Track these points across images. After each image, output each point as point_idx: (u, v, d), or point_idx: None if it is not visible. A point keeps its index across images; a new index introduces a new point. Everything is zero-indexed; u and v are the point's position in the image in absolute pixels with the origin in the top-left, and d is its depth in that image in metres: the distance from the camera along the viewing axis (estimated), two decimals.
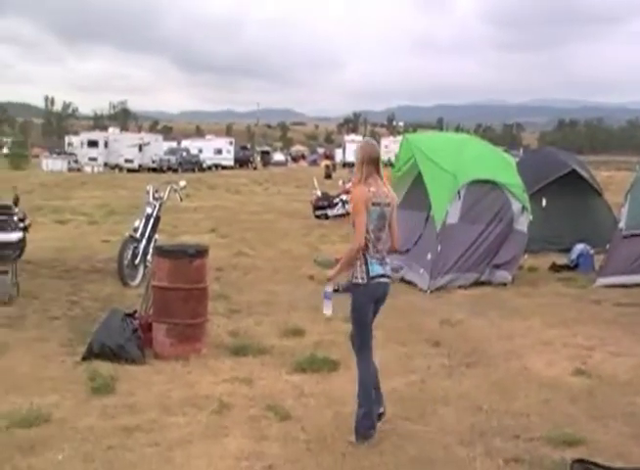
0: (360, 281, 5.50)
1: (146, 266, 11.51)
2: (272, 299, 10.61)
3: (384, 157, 76.39)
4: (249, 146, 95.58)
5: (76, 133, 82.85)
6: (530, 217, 12.55)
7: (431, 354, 8.05)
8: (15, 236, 11.14)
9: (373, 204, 5.53)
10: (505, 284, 11.95)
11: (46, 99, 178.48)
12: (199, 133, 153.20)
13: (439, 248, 11.63)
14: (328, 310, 5.65)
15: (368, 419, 5.59)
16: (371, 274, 5.50)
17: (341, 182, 25.62)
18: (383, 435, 5.76)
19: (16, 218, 12.80)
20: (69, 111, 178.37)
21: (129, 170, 58.07)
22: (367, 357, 5.65)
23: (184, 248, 7.99)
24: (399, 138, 78.46)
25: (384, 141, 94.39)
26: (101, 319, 8.05)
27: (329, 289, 5.60)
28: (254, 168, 73.96)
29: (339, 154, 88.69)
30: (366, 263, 5.50)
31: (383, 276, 5.60)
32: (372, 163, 5.57)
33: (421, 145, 13.16)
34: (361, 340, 5.63)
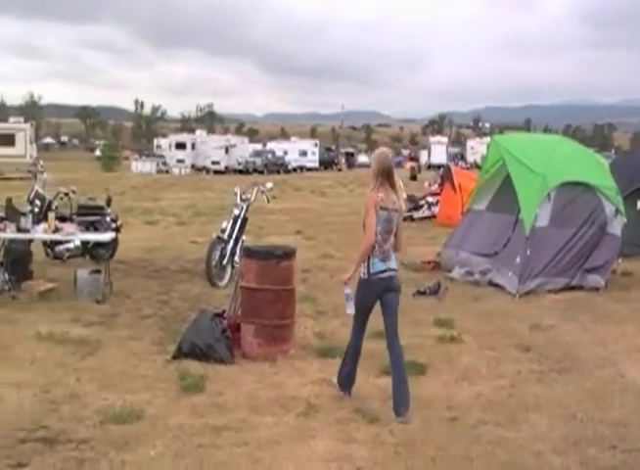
0: (362, 276, 6.20)
1: (233, 267, 11.62)
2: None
3: (470, 159, 75.04)
4: (333, 148, 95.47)
5: (165, 136, 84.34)
6: (624, 220, 12.19)
7: (520, 359, 7.89)
8: (108, 236, 11.44)
9: (381, 208, 6.17)
10: (597, 289, 11.56)
11: (136, 102, 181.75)
12: (284, 135, 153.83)
13: (529, 251, 11.38)
14: (350, 310, 6.29)
15: (352, 376, 6.51)
16: (372, 271, 6.16)
17: (426, 184, 25.29)
18: (473, 440, 5.68)
19: (109, 219, 13.19)
20: (158, 114, 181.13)
21: (216, 172, 58.67)
22: (356, 333, 6.41)
23: (272, 249, 8.00)
24: (485, 139, 77.70)
25: (469, 142, 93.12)
26: (190, 319, 8.18)
27: (348, 291, 6.25)
28: (339, 170, 73.85)
29: (424, 155, 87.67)
30: (368, 261, 6.19)
31: (385, 271, 6.21)
32: (384, 173, 6.21)
33: (509, 146, 12.92)
34: (355, 321, 6.37)
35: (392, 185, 6.17)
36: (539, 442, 5.71)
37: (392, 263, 6.27)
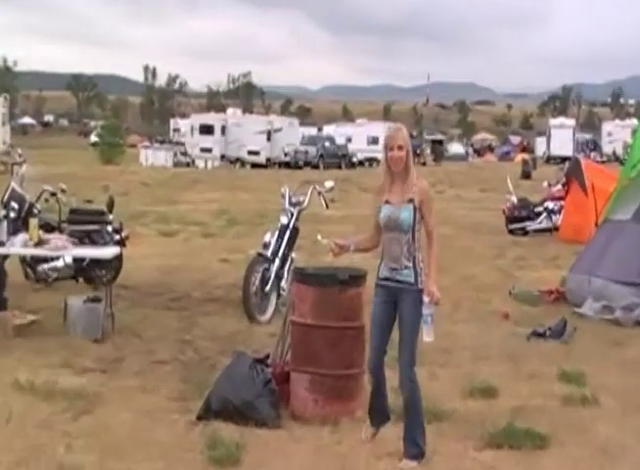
0: (423, 281, 6.83)
1: (279, 295, 11.65)
2: (451, 344, 10.37)
3: (606, 149, 72.98)
4: (415, 134, 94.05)
5: (185, 116, 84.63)
6: None
7: None
8: (109, 252, 11.48)
9: None
10: None
11: (145, 70, 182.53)
12: (347, 116, 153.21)
13: None
14: (429, 337, 6.71)
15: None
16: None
17: (545, 184, 24.95)
18: None
19: (110, 229, 13.28)
20: (176, 86, 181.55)
21: (254, 166, 58.86)
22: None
23: (333, 272, 7.92)
24: (629, 122, 75.71)
25: (606, 126, 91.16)
26: (222, 366, 8.16)
27: (429, 311, 6.64)
28: (423, 164, 71.60)
29: (541, 144, 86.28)
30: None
31: None
32: None
33: None
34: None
35: None
36: None
37: None
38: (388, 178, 6.87)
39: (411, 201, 6.76)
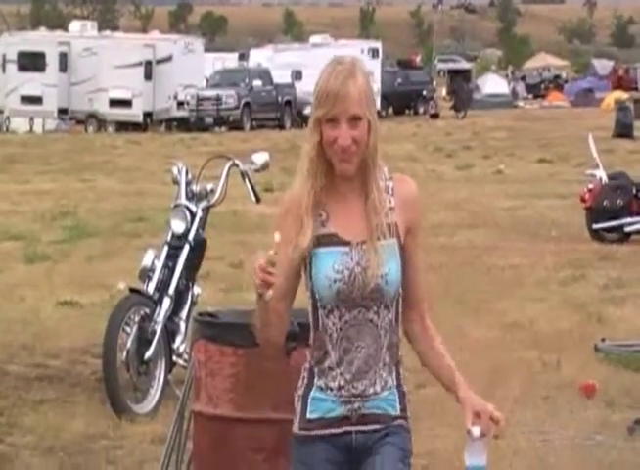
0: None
1: (172, 364, 10.74)
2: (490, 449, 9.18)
3: None
4: (418, 60, 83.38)
5: None
6: None
7: None
8: None
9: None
10: None
11: None
12: (293, 31, 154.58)
13: None
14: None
15: None
16: None
17: None
18: None
19: None
20: None
21: (122, 126, 52.29)
22: None
23: None
24: None
25: None
26: None
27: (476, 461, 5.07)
28: (433, 116, 66.33)
29: None
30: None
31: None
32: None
33: None
34: None
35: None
36: None
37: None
38: (321, 180, 4.64)
39: (393, 231, 4.66)
